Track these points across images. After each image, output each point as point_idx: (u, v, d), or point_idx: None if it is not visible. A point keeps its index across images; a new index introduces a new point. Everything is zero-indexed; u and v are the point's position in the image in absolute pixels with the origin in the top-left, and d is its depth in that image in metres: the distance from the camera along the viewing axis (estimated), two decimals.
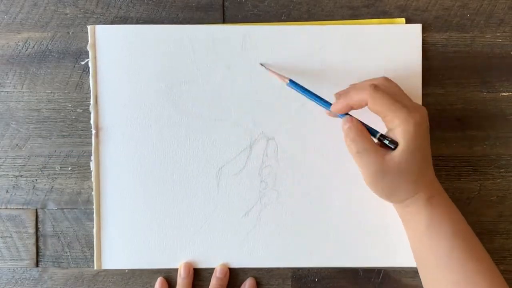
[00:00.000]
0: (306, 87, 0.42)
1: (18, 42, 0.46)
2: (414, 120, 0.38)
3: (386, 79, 0.41)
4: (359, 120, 0.40)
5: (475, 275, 0.38)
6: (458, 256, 0.39)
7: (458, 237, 0.39)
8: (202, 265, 0.46)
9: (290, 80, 0.43)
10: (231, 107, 0.46)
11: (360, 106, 0.40)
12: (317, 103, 0.42)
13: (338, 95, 0.42)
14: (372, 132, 0.40)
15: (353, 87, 0.41)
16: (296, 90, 0.43)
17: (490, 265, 0.39)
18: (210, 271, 0.46)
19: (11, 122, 0.46)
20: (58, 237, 0.46)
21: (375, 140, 0.40)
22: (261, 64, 0.45)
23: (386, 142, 0.39)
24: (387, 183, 0.39)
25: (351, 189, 0.46)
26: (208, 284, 0.46)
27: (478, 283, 0.38)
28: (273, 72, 0.44)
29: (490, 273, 0.39)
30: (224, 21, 0.47)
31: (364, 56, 0.46)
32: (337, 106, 0.41)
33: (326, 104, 0.42)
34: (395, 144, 0.39)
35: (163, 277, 0.46)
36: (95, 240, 0.46)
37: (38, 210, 0.46)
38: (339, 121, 0.45)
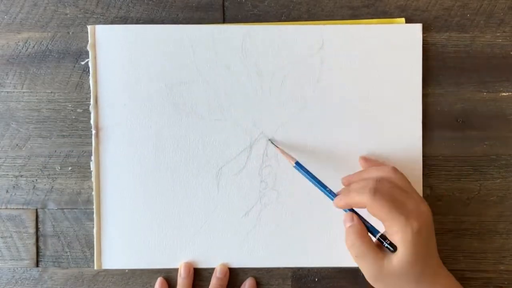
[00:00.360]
0: (311, 170, 0.43)
1: (18, 42, 0.46)
2: (412, 228, 0.37)
3: (393, 170, 0.41)
4: (361, 218, 0.40)
5: None
6: None
7: None
8: (202, 265, 0.46)
9: (296, 162, 0.43)
10: (231, 107, 0.46)
11: (360, 207, 0.39)
12: (320, 190, 0.42)
13: (342, 189, 0.42)
14: (372, 231, 0.40)
15: (354, 188, 0.40)
16: (301, 173, 0.43)
17: None
18: (210, 271, 0.46)
19: (11, 122, 0.46)
20: (58, 237, 0.46)
21: (374, 239, 0.40)
22: (270, 140, 0.45)
23: (385, 244, 0.38)
24: (387, 285, 0.39)
25: None
26: (208, 284, 0.46)
27: None
28: (282, 151, 0.44)
29: None
30: (224, 21, 0.47)
31: (364, 56, 0.46)
32: (338, 203, 0.41)
33: (330, 194, 0.42)
34: (394, 247, 0.38)
35: (163, 277, 0.46)
36: (95, 240, 0.46)
37: (38, 210, 0.46)
38: (339, 122, 0.46)
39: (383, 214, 0.38)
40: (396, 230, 0.37)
